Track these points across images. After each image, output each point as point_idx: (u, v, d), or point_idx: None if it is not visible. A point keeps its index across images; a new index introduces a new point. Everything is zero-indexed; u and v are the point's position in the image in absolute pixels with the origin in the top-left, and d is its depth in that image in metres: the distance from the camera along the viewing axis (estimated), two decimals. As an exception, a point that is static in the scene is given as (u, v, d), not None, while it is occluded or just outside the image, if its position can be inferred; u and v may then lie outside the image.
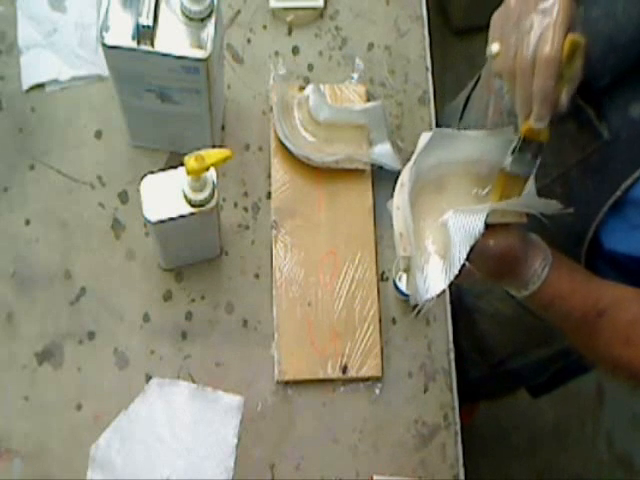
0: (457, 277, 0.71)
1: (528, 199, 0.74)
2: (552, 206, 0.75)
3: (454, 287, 1.03)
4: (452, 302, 1.03)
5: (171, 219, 0.85)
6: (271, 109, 1.05)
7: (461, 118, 1.13)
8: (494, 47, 0.70)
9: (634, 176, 0.75)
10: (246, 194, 1.03)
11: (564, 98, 0.69)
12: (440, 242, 0.72)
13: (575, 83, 0.69)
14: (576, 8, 0.68)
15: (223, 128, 1.05)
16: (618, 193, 0.77)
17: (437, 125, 1.10)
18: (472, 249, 0.70)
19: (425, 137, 0.74)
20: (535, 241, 0.76)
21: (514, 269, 0.74)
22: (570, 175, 0.83)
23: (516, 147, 0.72)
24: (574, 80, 0.69)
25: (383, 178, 1.04)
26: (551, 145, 0.81)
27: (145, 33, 0.80)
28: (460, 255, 0.70)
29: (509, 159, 0.72)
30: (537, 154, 0.72)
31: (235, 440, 0.94)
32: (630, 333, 0.74)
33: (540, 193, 0.76)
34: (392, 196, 0.74)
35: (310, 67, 1.10)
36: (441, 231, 0.72)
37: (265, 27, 1.10)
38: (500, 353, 1.23)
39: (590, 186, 0.81)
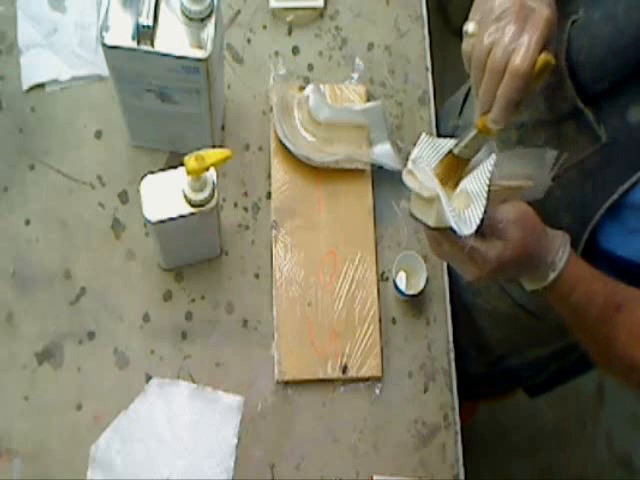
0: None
1: (521, 150, 0.76)
2: (547, 156, 0.76)
3: (453, 285, 1.04)
4: (451, 300, 1.03)
5: (171, 219, 0.85)
6: (271, 109, 1.05)
7: (460, 113, 1.13)
8: (471, 27, 0.71)
9: (631, 180, 0.75)
10: (246, 194, 1.03)
11: (522, 108, 0.70)
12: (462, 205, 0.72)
13: (534, 95, 0.72)
14: (556, 25, 0.69)
15: (223, 128, 1.05)
16: (614, 197, 0.77)
17: (437, 124, 1.10)
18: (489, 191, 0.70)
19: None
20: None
21: (539, 239, 0.73)
22: (567, 177, 0.83)
23: (468, 136, 0.74)
24: (534, 92, 0.71)
25: (383, 178, 1.04)
26: (549, 146, 0.81)
27: (145, 33, 0.80)
28: (484, 179, 0.70)
29: (460, 145, 0.74)
30: (484, 143, 0.74)
31: (235, 440, 0.94)
32: None
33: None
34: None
35: (310, 67, 1.10)
36: (457, 199, 0.72)
37: (265, 27, 1.10)
38: (498, 350, 1.23)
39: (587, 189, 0.81)
